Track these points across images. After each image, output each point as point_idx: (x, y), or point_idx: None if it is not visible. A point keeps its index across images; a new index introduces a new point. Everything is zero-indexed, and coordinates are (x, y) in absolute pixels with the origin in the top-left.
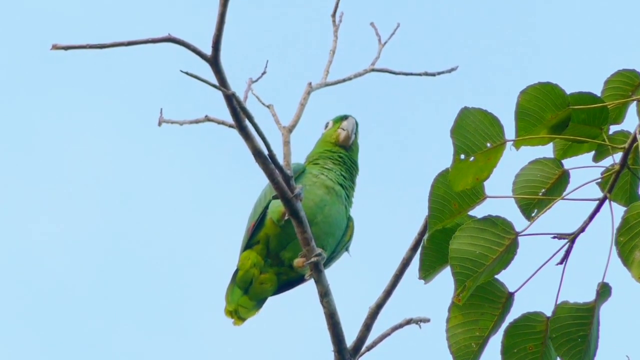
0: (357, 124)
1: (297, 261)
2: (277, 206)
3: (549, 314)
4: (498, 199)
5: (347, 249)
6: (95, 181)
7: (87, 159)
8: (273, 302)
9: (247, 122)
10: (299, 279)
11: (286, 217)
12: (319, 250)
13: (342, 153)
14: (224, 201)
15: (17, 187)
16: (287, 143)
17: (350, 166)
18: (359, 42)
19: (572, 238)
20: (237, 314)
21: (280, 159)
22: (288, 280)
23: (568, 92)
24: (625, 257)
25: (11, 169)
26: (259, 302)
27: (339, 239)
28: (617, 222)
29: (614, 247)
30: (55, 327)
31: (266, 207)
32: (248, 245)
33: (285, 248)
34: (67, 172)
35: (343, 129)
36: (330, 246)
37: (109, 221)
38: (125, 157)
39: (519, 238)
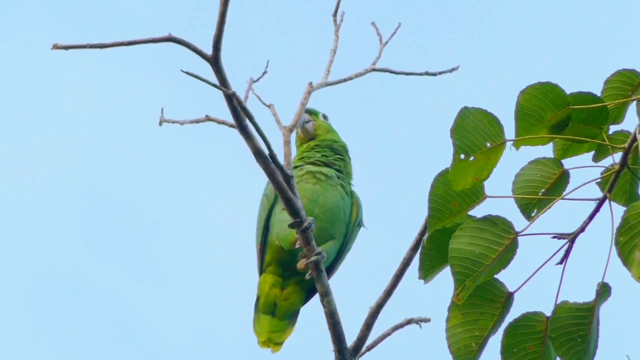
0: (307, 110)
1: (299, 263)
2: (286, 234)
3: (548, 313)
4: (498, 198)
5: (359, 225)
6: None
7: (86, 152)
8: None
9: (247, 122)
10: None
11: (297, 245)
12: (318, 250)
13: (312, 143)
14: (224, 199)
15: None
16: (287, 143)
17: (327, 146)
18: (360, 42)
19: (572, 238)
20: (272, 341)
21: (281, 159)
22: (312, 285)
23: (568, 92)
24: (625, 257)
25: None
26: (291, 318)
27: (346, 221)
28: (617, 222)
29: (613, 247)
30: (41, 279)
31: (265, 228)
32: (261, 270)
33: (298, 256)
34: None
35: (298, 126)
36: (340, 231)
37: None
38: (124, 156)
39: (519, 238)
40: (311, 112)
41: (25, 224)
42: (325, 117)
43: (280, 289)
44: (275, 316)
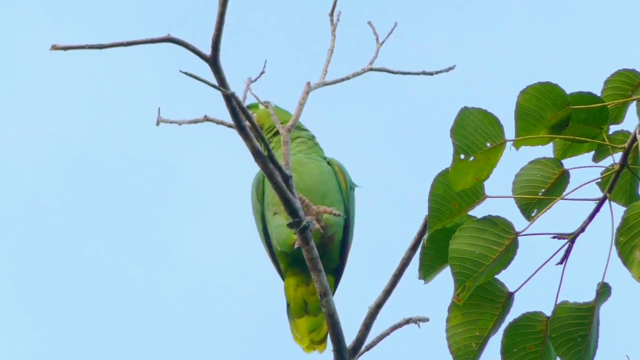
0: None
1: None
2: (284, 239)
3: (548, 313)
4: (498, 199)
5: (352, 188)
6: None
7: (83, 150)
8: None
9: (246, 122)
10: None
11: (297, 246)
12: (315, 253)
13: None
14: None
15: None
16: (286, 143)
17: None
18: (356, 41)
19: (572, 238)
20: (314, 342)
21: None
22: (336, 266)
23: (568, 92)
24: (625, 257)
25: None
26: (314, 314)
27: (337, 190)
28: (617, 222)
29: (614, 247)
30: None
31: (267, 238)
32: (282, 276)
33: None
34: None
35: None
36: (336, 200)
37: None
38: (124, 156)
39: (519, 238)
40: (250, 107)
41: (19, 200)
42: (266, 103)
43: (305, 285)
44: (310, 314)
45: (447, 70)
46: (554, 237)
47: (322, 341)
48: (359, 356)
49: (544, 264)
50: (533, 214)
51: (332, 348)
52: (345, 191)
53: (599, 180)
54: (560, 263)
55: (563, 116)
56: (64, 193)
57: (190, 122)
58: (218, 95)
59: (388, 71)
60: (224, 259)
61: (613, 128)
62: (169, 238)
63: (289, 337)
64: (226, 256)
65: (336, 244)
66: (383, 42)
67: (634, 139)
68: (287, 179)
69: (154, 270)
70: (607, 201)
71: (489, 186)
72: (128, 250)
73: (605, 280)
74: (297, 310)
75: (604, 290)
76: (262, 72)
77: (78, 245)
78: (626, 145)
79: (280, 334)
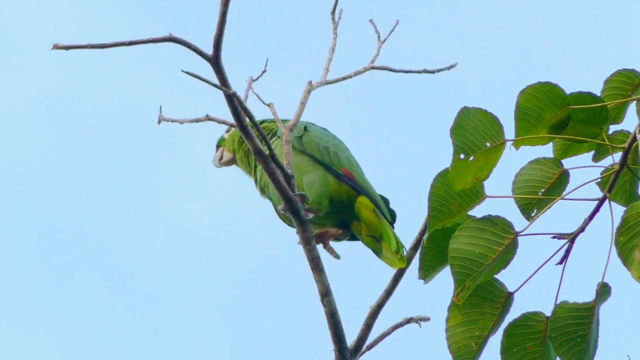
0: (217, 145)
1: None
2: None
3: (548, 313)
4: (498, 198)
5: (301, 135)
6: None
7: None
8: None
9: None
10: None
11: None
12: (317, 253)
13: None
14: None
15: None
16: (287, 142)
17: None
18: (358, 40)
19: (571, 238)
20: (399, 254)
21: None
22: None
23: (568, 92)
24: (625, 257)
25: None
26: (380, 225)
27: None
28: (617, 222)
29: (613, 247)
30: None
31: None
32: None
33: (338, 217)
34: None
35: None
36: (306, 162)
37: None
38: (127, 157)
39: (519, 238)
40: (219, 145)
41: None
42: (227, 131)
43: (359, 226)
44: (382, 240)
45: (449, 68)
46: (554, 237)
47: (399, 249)
48: (360, 355)
49: (544, 264)
50: (533, 214)
51: (333, 348)
52: (298, 147)
53: (599, 180)
54: (560, 263)
55: (563, 116)
56: (63, 183)
57: (191, 121)
58: (220, 94)
59: (389, 69)
60: (208, 216)
61: (613, 128)
62: (155, 194)
63: (279, 299)
64: (212, 214)
65: (337, 190)
66: (384, 41)
67: (634, 139)
68: (289, 178)
69: (139, 226)
70: (607, 201)
71: (489, 186)
72: (114, 206)
73: (605, 280)
74: (374, 244)
75: (604, 290)
76: (264, 71)
77: (68, 201)
78: (626, 145)
79: (269, 294)
